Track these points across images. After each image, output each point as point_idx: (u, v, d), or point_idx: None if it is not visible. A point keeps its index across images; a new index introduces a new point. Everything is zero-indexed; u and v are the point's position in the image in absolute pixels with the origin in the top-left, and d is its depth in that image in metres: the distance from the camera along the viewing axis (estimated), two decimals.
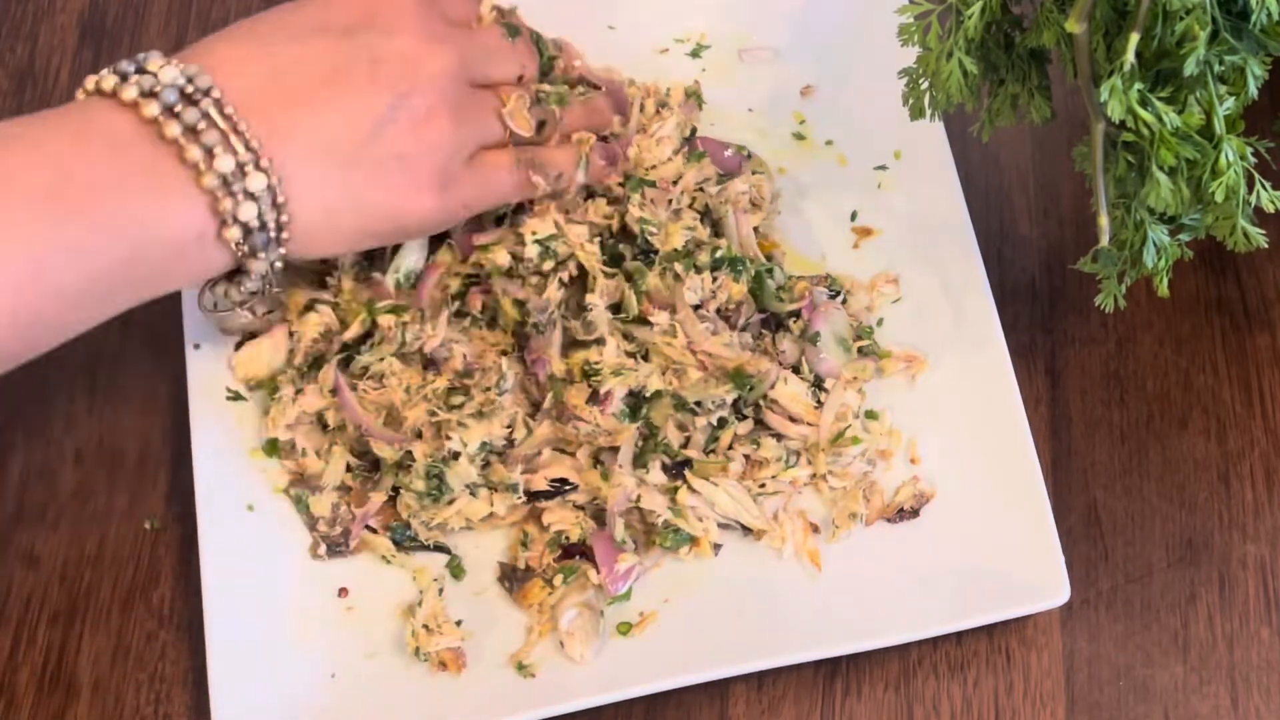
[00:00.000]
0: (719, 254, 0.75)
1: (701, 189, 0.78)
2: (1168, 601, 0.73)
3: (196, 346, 0.76)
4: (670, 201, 0.77)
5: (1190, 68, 0.62)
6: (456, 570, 0.73)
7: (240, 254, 0.66)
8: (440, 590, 0.72)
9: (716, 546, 0.73)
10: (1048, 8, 0.67)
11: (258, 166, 0.65)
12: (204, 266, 0.67)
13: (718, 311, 0.75)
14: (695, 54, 0.84)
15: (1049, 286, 0.80)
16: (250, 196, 0.65)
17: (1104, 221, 0.67)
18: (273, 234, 0.66)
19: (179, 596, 0.74)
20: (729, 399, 0.73)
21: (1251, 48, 0.63)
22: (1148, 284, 0.71)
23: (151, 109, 0.64)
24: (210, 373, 0.75)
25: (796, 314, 0.76)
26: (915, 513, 0.73)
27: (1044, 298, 0.80)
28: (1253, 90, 0.64)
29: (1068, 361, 0.78)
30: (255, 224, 0.65)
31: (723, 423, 0.74)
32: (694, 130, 0.81)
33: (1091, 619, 0.73)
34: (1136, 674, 0.72)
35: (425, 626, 0.70)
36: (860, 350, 0.76)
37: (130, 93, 0.65)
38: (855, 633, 0.70)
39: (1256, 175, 0.65)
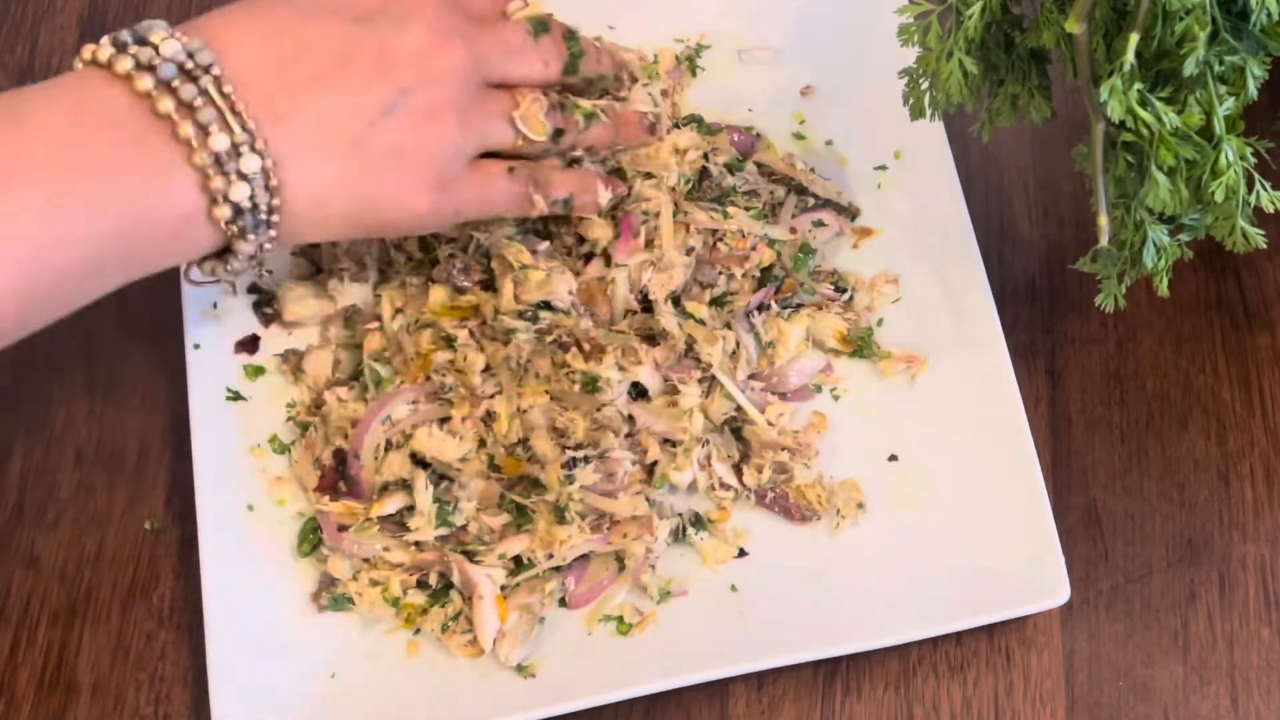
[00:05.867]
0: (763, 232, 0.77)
1: (707, 159, 0.78)
2: (1168, 601, 0.73)
3: (196, 347, 0.76)
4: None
5: (1190, 68, 0.62)
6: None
7: (229, 234, 0.65)
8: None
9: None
10: (1048, 8, 0.67)
11: (253, 148, 0.64)
12: (193, 245, 0.66)
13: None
14: (695, 54, 0.84)
15: (1049, 286, 0.80)
16: (243, 177, 0.64)
17: (1104, 221, 0.67)
18: (263, 216, 0.65)
19: (179, 596, 0.74)
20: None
21: (1251, 48, 0.63)
22: (1148, 284, 0.71)
23: (145, 83, 0.63)
24: (210, 373, 0.75)
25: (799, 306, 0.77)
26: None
27: (1044, 298, 0.80)
28: (1253, 90, 0.64)
29: (1068, 361, 0.78)
30: (247, 205, 0.64)
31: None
32: (701, 119, 0.81)
33: (1091, 619, 0.73)
34: (1136, 674, 0.72)
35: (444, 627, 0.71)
36: (859, 351, 0.76)
37: (125, 65, 0.64)
38: (855, 633, 0.70)
39: (1256, 175, 0.65)
